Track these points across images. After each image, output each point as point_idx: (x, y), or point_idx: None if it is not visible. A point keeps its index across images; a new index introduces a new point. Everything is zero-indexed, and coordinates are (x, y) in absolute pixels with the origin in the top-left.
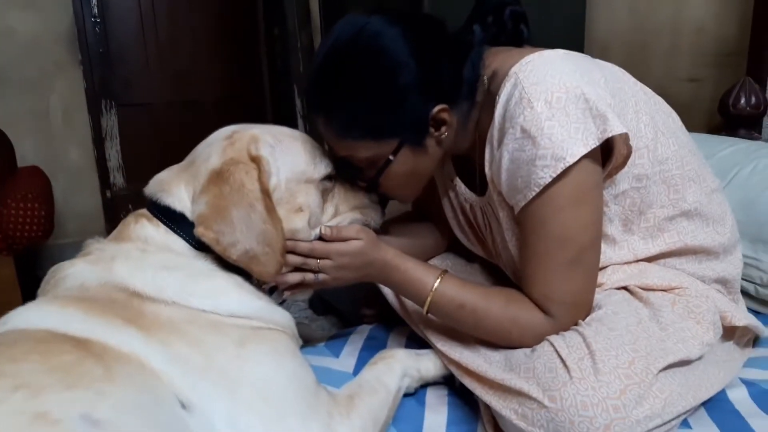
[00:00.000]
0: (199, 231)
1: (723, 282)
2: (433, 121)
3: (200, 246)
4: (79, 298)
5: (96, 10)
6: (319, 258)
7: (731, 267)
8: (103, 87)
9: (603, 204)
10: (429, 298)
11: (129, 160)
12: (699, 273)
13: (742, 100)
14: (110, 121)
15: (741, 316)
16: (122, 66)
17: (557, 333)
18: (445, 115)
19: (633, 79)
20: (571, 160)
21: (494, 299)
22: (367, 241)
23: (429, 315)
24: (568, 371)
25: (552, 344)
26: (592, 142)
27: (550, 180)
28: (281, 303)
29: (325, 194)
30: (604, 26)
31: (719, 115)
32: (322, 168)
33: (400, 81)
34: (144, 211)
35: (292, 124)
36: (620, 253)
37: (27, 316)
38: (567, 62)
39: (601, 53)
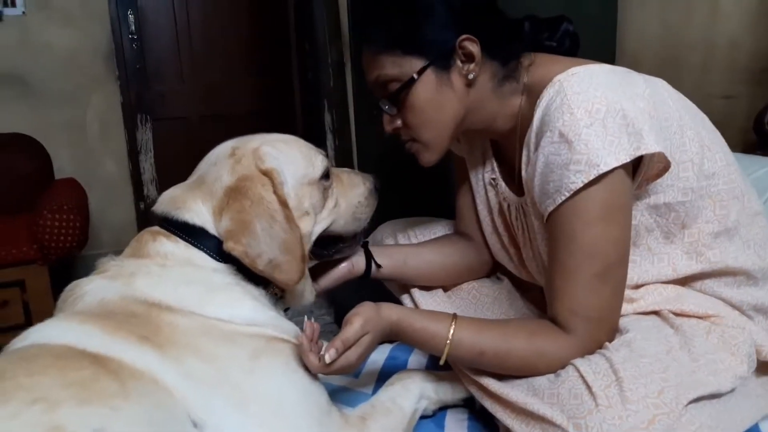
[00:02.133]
0: (229, 246)
1: (763, 311)
2: (460, 50)
3: (222, 258)
4: (97, 315)
5: (133, 27)
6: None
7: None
8: (138, 101)
9: (632, 221)
10: (446, 351)
11: (162, 172)
12: (737, 298)
13: None
14: (145, 135)
15: None
16: (157, 81)
17: (581, 354)
18: (472, 48)
19: (678, 94)
20: (604, 168)
21: (516, 336)
22: (367, 315)
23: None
24: (594, 398)
25: (577, 369)
26: (624, 158)
27: (581, 185)
28: (285, 310)
29: (325, 192)
30: (635, 40)
31: (754, 133)
32: (320, 165)
33: None
34: (158, 228)
35: (321, 137)
36: (659, 267)
37: (46, 332)
38: (611, 77)
39: (633, 67)
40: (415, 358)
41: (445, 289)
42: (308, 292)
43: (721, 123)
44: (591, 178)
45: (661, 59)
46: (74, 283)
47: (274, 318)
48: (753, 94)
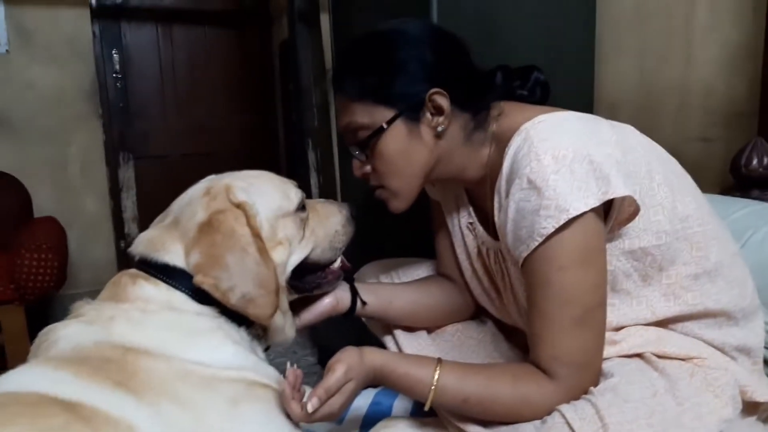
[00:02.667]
0: (198, 279)
1: (746, 351)
2: (430, 103)
3: (202, 299)
4: (71, 360)
5: (118, 66)
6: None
7: (752, 334)
8: (121, 140)
9: (609, 267)
10: (430, 397)
11: (144, 211)
12: (719, 340)
13: (755, 161)
14: (127, 173)
15: (763, 391)
16: (141, 120)
17: (566, 399)
18: (442, 102)
19: (647, 140)
20: (573, 213)
21: (500, 382)
22: (350, 362)
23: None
24: None
25: (563, 415)
26: (593, 202)
27: (552, 230)
28: (266, 349)
29: (301, 223)
30: (612, 86)
31: (731, 175)
32: (294, 197)
33: (410, 52)
34: (135, 271)
35: (305, 177)
36: (638, 309)
37: (18, 379)
38: (578, 124)
39: (610, 113)
40: (400, 404)
41: (429, 331)
42: (289, 327)
43: (699, 165)
44: (561, 222)
45: (639, 105)
46: (49, 327)
47: (256, 362)
48: (729, 137)
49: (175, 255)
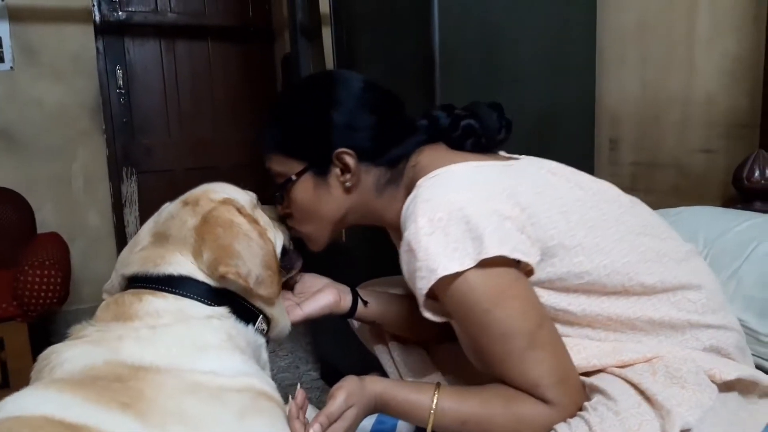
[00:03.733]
0: (222, 270)
1: (716, 350)
2: (337, 161)
3: (213, 301)
4: (76, 383)
5: (122, 83)
6: None
7: (719, 333)
8: (124, 155)
9: (530, 289)
10: (430, 421)
11: None
12: (685, 346)
13: (756, 173)
14: (130, 188)
15: (729, 370)
16: (144, 134)
17: (564, 416)
18: (348, 160)
19: (569, 175)
20: (442, 273)
21: (493, 404)
22: (350, 389)
23: None
24: None
25: None
26: (468, 263)
27: (426, 290)
28: (266, 343)
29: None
30: (614, 97)
31: (733, 187)
32: (251, 193)
33: (321, 111)
34: (137, 290)
35: None
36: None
37: (23, 403)
38: (467, 179)
39: (612, 125)
40: (404, 424)
41: (427, 348)
42: (284, 316)
43: (702, 176)
44: (431, 283)
45: (641, 116)
46: (50, 349)
47: (259, 371)
48: (732, 149)
49: (177, 265)
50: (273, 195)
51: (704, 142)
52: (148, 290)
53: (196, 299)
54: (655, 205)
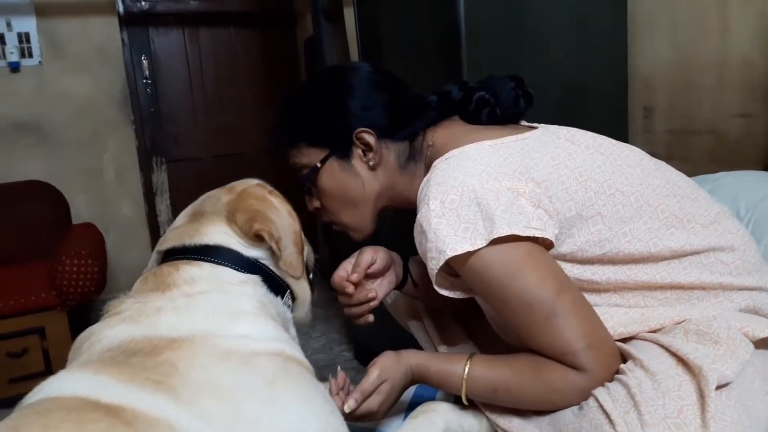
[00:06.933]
0: (256, 227)
1: (752, 311)
2: (358, 141)
3: (247, 269)
4: (111, 362)
5: (147, 73)
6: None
7: (755, 294)
8: (153, 144)
9: (547, 258)
10: (463, 388)
11: (178, 213)
12: (717, 307)
13: None
14: (161, 177)
15: (763, 327)
16: (172, 124)
17: (598, 383)
18: (368, 138)
19: (589, 141)
20: (450, 254)
21: (523, 372)
22: (383, 365)
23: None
24: (614, 426)
25: (597, 399)
26: (480, 243)
27: (437, 270)
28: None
29: None
30: (647, 63)
31: None
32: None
33: (334, 97)
34: (174, 261)
35: None
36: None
37: (59, 384)
38: (481, 161)
39: (645, 90)
40: (442, 394)
41: (465, 323)
42: (307, 295)
43: (739, 141)
44: (441, 264)
45: (674, 82)
46: (91, 329)
47: (290, 339)
48: None
49: (211, 235)
50: (301, 190)
51: (741, 106)
52: (184, 260)
53: (230, 266)
54: (691, 173)
